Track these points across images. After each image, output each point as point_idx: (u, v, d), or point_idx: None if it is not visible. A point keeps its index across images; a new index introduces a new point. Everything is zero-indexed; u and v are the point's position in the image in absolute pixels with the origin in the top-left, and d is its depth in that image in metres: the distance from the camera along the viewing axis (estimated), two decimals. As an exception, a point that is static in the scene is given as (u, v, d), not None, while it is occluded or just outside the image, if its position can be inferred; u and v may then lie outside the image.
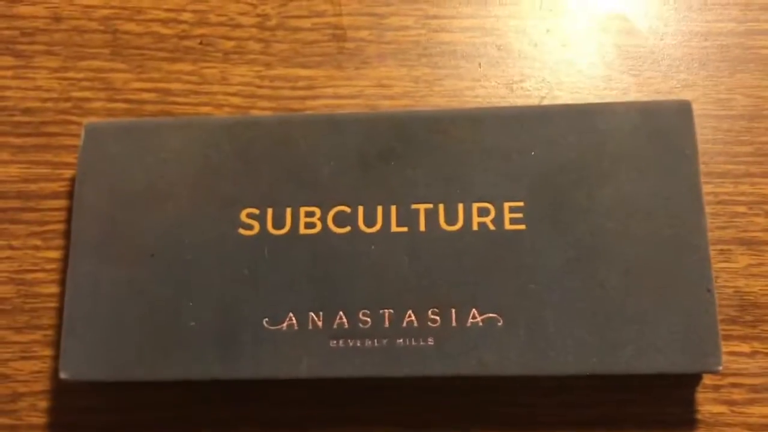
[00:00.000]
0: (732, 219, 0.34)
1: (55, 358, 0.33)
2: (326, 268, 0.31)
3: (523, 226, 0.31)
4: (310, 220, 0.32)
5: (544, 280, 0.30)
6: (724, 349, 0.30)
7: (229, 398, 0.33)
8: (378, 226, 0.32)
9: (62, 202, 0.36)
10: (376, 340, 0.30)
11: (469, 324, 0.30)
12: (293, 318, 0.31)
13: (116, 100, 0.37)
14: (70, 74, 0.38)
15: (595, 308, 0.30)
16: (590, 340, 0.30)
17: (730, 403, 0.32)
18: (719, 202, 0.34)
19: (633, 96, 0.36)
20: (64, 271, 0.34)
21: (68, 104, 0.37)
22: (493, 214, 0.31)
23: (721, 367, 0.29)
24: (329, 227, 0.32)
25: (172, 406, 0.33)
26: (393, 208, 0.32)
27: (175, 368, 0.30)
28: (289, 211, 0.32)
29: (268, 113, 0.37)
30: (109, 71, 0.38)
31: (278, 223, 0.32)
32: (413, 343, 0.30)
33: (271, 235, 0.32)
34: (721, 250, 0.34)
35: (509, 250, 0.31)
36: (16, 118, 0.37)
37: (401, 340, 0.30)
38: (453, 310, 0.30)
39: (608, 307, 0.30)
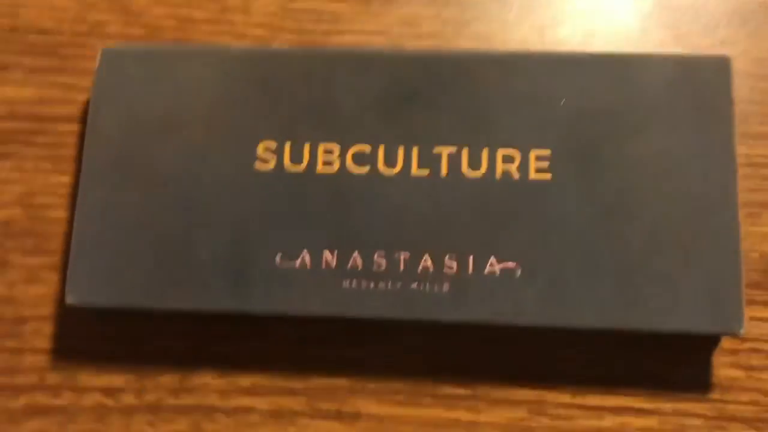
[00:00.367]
0: (763, 182, 0.33)
1: (62, 283, 0.33)
2: (342, 207, 0.30)
3: (548, 176, 0.30)
4: (328, 158, 0.31)
5: (567, 232, 0.29)
6: (746, 313, 0.29)
7: (237, 333, 0.32)
8: (398, 168, 0.31)
9: (75, 126, 0.35)
10: (390, 283, 0.29)
11: (486, 272, 0.29)
12: (307, 256, 0.30)
13: (134, 25, 0.36)
14: (88, -5, 0.37)
15: (617, 263, 0.29)
16: (610, 295, 0.29)
17: (748, 368, 0.31)
18: (751, 164, 0.33)
19: (669, 50, 0.35)
20: (74, 196, 0.34)
21: (84, 26, 0.36)
22: (518, 162, 0.30)
23: (743, 331, 0.28)
24: (347, 166, 0.31)
25: (179, 337, 0.32)
26: (414, 150, 0.31)
27: (184, 299, 0.30)
28: (307, 146, 0.31)
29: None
30: (128, -5, 0.37)
31: (296, 158, 0.31)
32: (428, 287, 0.29)
33: (288, 170, 0.31)
34: (750, 213, 0.33)
35: (532, 199, 0.30)
36: (30, 38, 0.36)
37: (416, 284, 0.29)
38: (471, 257, 0.29)
39: (631, 263, 0.29)
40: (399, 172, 0.31)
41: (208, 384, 0.32)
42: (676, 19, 0.35)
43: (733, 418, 0.31)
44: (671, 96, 0.31)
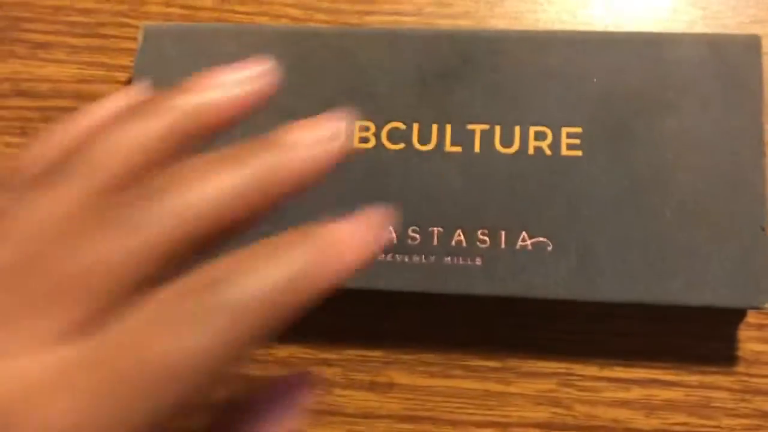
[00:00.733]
0: (791, 160, 0.33)
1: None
2: (378, 182, 0.31)
3: (579, 153, 0.31)
4: (364, 135, 0.32)
5: (598, 208, 0.30)
6: (772, 288, 0.30)
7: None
8: (432, 145, 0.31)
9: (117, 104, 0.36)
10: (423, 257, 0.30)
11: (518, 246, 0.30)
12: (343, 229, 0.31)
13: (173, 5, 0.37)
14: (128, -24, 0.38)
15: (646, 239, 0.30)
16: (640, 269, 0.29)
17: (773, 342, 0.32)
18: (779, 143, 0.33)
19: (699, 29, 0.35)
20: (117, 172, 0.35)
21: (124, 6, 0.37)
22: (550, 139, 0.31)
23: (768, 305, 0.29)
24: (383, 142, 0.32)
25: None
26: (448, 127, 0.31)
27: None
28: (343, 124, 0.32)
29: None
30: (167, -24, 0.37)
31: (332, 135, 0.32)
32: (461, 261, 0.30)
33: (324, 147, 0.32)
34: (778, 191, 0.33)
35: (564, 175, 0.31)
36: (72, 18, 0.37)
37: (449, 258, 0.30)
38: (503, 232, 0.30)
39: (660, 239, 0.30)
40: (433, 148, 0.31)
41: (247, 353, 0.33)
42: (707, -2, 0.36)
43: (758, 391, 0.31)
44: (701, 74, 0.31)
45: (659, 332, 0.32)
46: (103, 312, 0.15)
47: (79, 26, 0.37)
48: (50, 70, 0.37)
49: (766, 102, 0.31)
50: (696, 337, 0.32)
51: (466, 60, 0.32)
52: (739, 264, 0.29)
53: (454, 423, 0.32)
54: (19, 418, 0.14)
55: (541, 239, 0.30)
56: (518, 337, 0.32)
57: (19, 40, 0.37)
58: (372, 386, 0.33)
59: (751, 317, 0.32)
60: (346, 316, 0.33)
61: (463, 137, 0.31)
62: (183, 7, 0.37)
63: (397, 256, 0.30)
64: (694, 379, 0.32)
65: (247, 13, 0.37)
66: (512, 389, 0.32)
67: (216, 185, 0.17)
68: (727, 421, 0.31)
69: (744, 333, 0.32)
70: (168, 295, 0.15)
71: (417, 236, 0.31)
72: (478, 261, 0.30)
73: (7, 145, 0.36)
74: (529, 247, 0.30)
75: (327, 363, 0.33)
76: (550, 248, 0.30)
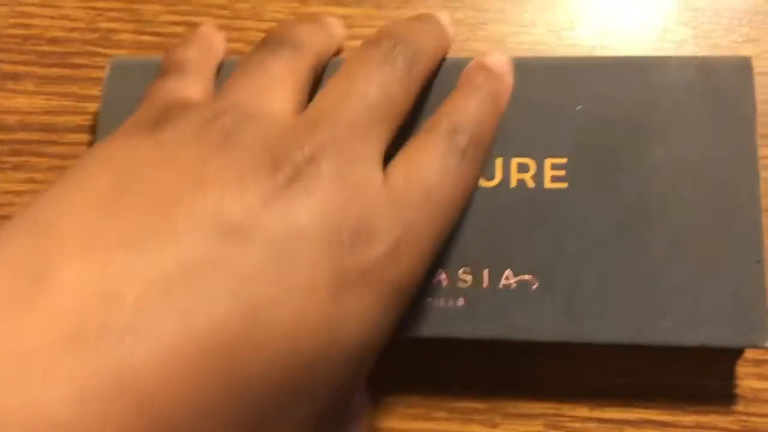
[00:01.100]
0: (788, 187, 0.32)
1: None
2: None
3: (564, 185, 0.29)
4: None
5: (585, 243, 0.29)
6: (770, 324, 0.28)
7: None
8: (411, 178, 0.30)
9: (86, 137, 0.35)
10: (404, 297, 0.29)
11: (501, 285, 0.29)
12: (318, 269, 0.29)
13: (145, 33, 0.36)
14: (99, 4, 0.36)
15: (637, 275, 0.28)
16: (630, 308, 0.28)
17: (773, 380, 0.30)
18: (775, 168, 0.32)
19: (690, 50, 0.34)
20: (86, 209, 0.33)
21: (95, 35, 0.36)
22: (533, 171, 0.30)
23: None
24: (360, 176, 0.30)
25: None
26: (427, 160, 0.30)
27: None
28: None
29: (301, 53, 0.35)
30: (139, 2, 0.36)
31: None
32: (442, 302, 0.29)
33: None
34: (774, 219, 0.32)
35: (549, 209, 0.29)
36: (41, 48, 0.36)
37: (430, 299, 0.29)
38: (486, 270, 0.29)
39: (651, 275, 0.28)
40: (412, 182, 0.30)
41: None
42: (697, 17, 0.34)
43: (758, 431, 0.30)
44: (691, 99, 0.30)
45: (652, 370, 0.31)
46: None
47: (48, 56, 0.36)
48: (18, 102, 0.35)
49: (759, 125, 0.30)
50: (691, 375, 0.30)
51: (444, 88, 0.31)
52: (735, 300, 0.28)
53: (438, 468, 0.31)
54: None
55: (526, 277, 0.29)
56: (504, 377, 0.31)
57: (-14, 72, 0.36)
58: (354, 429, 0.31)
59: (749, 353, 0.31)
60: (326, 357, 0.32)
61: (443, 170, 0.30)
62: (155, 34, 0.36)
63: (375, 295, 0.29)
64: (690, 419, 0.30)
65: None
66: (499, 431, 0.31)
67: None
68: (725, 464, 0.30)
69: (741, 369, 0.30)
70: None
71: (396, 275, 0.29)
72: (461, 301, 0.29)
73: (-26, 181, 0.35)
74: (514, 286, 0.29)
75: (306, 406, 0.31)
76: (535, 287, 0.28)
